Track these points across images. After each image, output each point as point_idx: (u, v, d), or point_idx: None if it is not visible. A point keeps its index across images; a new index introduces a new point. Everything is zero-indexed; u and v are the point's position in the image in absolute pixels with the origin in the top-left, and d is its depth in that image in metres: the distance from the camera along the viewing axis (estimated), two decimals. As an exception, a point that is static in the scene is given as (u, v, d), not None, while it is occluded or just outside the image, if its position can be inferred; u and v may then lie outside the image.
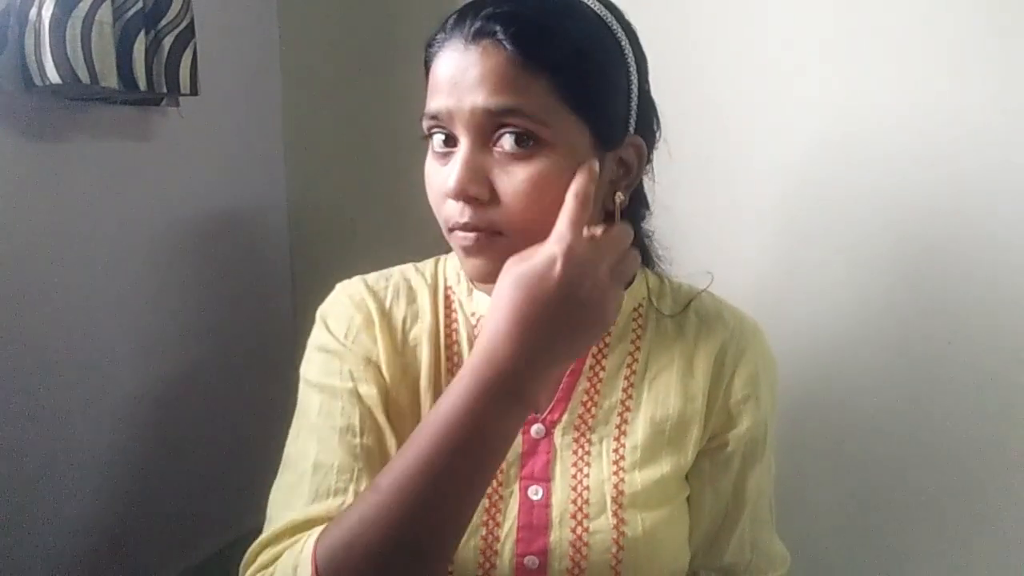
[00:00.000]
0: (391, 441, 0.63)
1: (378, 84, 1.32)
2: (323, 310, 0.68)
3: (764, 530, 0.70)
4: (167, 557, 1.21)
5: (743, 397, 0.66)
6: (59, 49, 0.90)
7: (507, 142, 0.55)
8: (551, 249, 0.51)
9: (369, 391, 0.63)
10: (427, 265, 0.72)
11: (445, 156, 0.58)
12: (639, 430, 0.64)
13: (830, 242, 1.01)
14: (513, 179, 0.55)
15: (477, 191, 0.55)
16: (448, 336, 0.67)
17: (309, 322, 0.69)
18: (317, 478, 0.59)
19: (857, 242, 1.00)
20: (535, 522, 0.61)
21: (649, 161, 0.64)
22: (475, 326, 0.67)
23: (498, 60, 0.54)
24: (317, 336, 0.67)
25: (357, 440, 0.61)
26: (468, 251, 0.57)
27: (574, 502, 0.62)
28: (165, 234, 1.18)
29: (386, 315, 0.67)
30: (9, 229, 0.95)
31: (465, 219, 0.56)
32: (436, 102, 0.57)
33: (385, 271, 0.71)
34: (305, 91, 1.40)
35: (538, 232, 0.55)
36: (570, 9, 0.58)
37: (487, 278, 0.57)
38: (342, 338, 0.65)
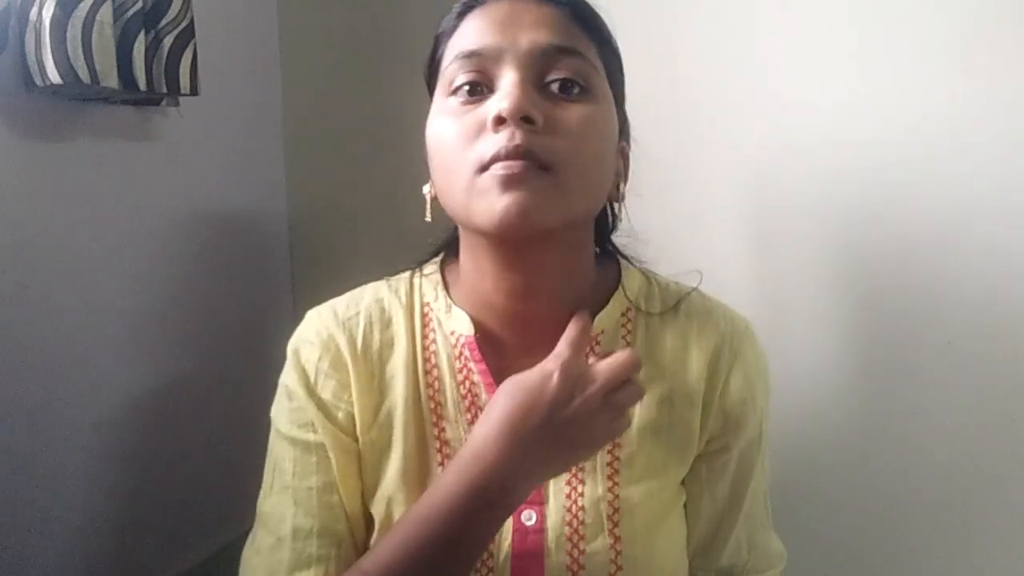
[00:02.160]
0: (363, 486, 0.63)
1: (378, 84, 1.32)
2: (293, 345, 0.66)
3: (760, 528, 0.69)
4: (165, 558, 1.21)
5: (739, 400, 0.64)
6: (59, 49, 0.90)
7: (559, 86, 0.56)
8: (548, 365, 0.54)
9: (338, 442, 0.62)
10: (401, 282, 0.68)
11: (476, 102, 0.56)
12: (634, 440, 0.62)
13: (825, 242, 1.01)
14: (568, 113, 0.55)
15: (535, 113, 0.53)
16: (427, 360, 0.64)
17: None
18: (298, 545, 0.59)
19: (854, 242, 1.00)
20: (530, 549, 0.59)
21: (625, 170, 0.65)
22: (455, 346, 0.63)
23: (556, 12, 0.57)
24: (286, 376, 0.65)
25: (336, 498, 0.61)
26: (510, 182, 0.52)
27: (569, 524, 0.60)
28: (165, 234, 1.18)
29: (358, 350, 0.64)
30: (9, 229, 0.95)
31: (516, 142, 0.52)
32: (480, 39, 0.56)
33: (356, 293, 0.68)
34: (305, 91, 1.40)
35: (584, 178, 0.56)
36: None
37: (523, 217, 0.52)
38: (310, 383, 0.63)
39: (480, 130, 0.54)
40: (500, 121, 0.53)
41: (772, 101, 1.02)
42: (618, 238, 0.70)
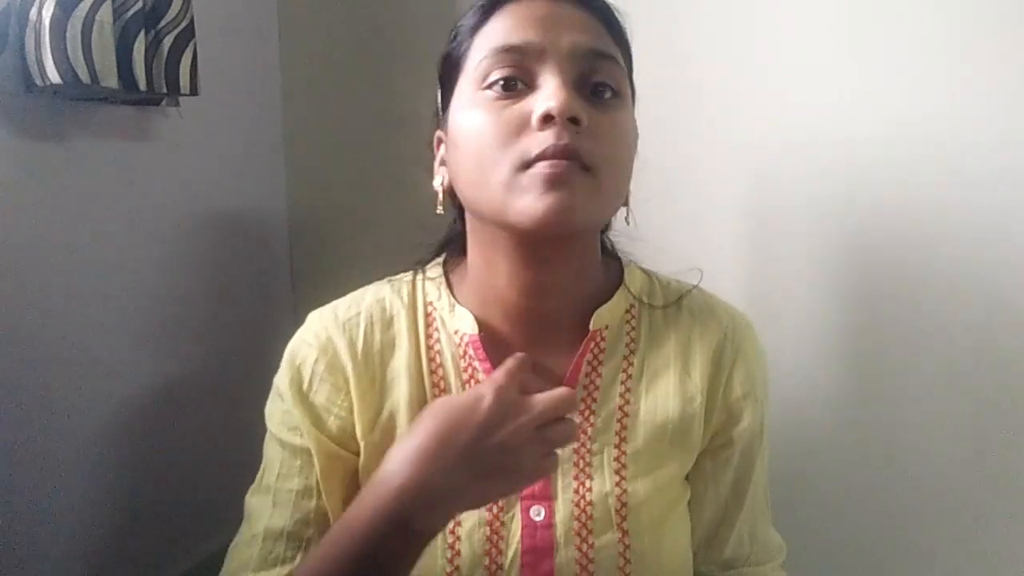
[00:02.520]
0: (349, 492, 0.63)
1: (378, 84, 1.32)
2: (291, 346, 0.66)
3: (761, 521, 0.70)
4: (165, 558, 1.21)
5: (743, 394, 0.65)
6: (59, 49, 0.90)
7: (592, 90, 0.56)
8: (481, 388, 0.51)
9: (323, 448, 0.63)
10: (403, 282, 0.68)
11: (516, 96, 0.55)
12: (640, 435, 0.63)
13: (824, 242, 1.01)
14: (604, 118, 0.56)
15: (582, 115, 0.53)
16: (432, 360, 0.64)
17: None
18: (268, 544, 0.61)
19: (853, 241, 1.00)
20: (539, 545, 0.60)
21: None
22: (459, 344, 0.64)
23: (591, 17, 0.58)
24: (279, 377, 0.65)
25: (312, 503, 0.62)
26: (554, 181, 0.52)
27: (578, 519, 0.60)
28: (164, 234, 1.18)
29: (358, 351, 0.64)
30: (8, 229, 0.95)
31: (565, 141, 0.52)
32: (521, 35, 0.55)
33: (358, 294, 0.68)
34: (305, 91, 1.40)
35: (617, 181, 0.58)
36: None
37: (565, 216, 0.53)
38: (303, 387, 0.63)
39: (522, 127, 0.54)
40: (547, 119, 0.53)
41: (772, 101, 1.02)
42: (615, 236, 0.71)
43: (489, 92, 0.56)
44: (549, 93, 0.53)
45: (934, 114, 0.93)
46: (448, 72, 0.62)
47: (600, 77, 0.57)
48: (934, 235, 0.95)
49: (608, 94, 0.57)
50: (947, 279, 0.95)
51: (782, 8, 1.01)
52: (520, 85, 0.55)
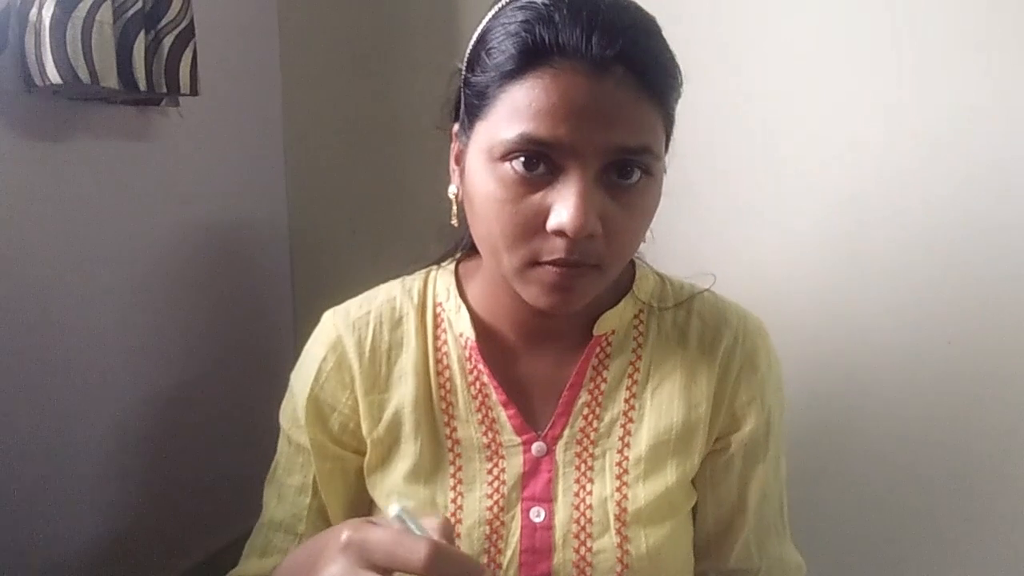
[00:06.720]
0: (368, 483, 0.66)
1: (378, 85, 1.32)
2: (307, 346, 0.68)
3: (772, 535, 0.69)
4: (167, 558, 1.21)
5: (748, 399, 0.65)
6: (59, 49, 0.89)
7: (622, 172, 0.52)
8: None
9: (322, 448, 0.65)
10: (415, 281, 0.68)
11: (535, 182, 0.52)
12: (643, 441, 0.62)
13: (829, 244, 1.01)
14: (628, 212, 0.53)
15: (597, 230, 0.51)
16: (439, 361, 0.64)
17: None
18: (269, 534, 0.65)
19: (856, 243, 1.00)
20: (538, 545, 0.60)
21: None
22: (464, 347, 0.64)
23: (634, 96, 0.51)
24: (292, 375, 0.68)
25: (308, 500, 0.65)
26: (559, 287, 0.53)
27: (577, 522, 0.60)
28: (164, 234, 1.18)
29: (366, 350, 0.64)
30: (9, 229, 0.95)
31: (575, 256, 0.51)
32: (549, 128, 0.50)
33: (371, 293, 0.68)
34: (305, 91, 1.40)
35: (628, 257, 0.57)
36: (663, 37, 0.55)
37: (567, 309, 0.54)
38: (311, 386, 0.65)
39: (537, 224, 0.52)
40: (561, 233, 0.51)
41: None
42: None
43: (507, 166, 0.52)
44: (568, 208, 0.50)
45: (934, 117, 0.93)
46: (471, 96, 0.56)
47: (629, 167, 0.53)
48: (938, 235, 0.95)
49: (636, 176, 0.53)
50: (950, 279, 0.95)
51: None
52: (542, 167, 0.52)
